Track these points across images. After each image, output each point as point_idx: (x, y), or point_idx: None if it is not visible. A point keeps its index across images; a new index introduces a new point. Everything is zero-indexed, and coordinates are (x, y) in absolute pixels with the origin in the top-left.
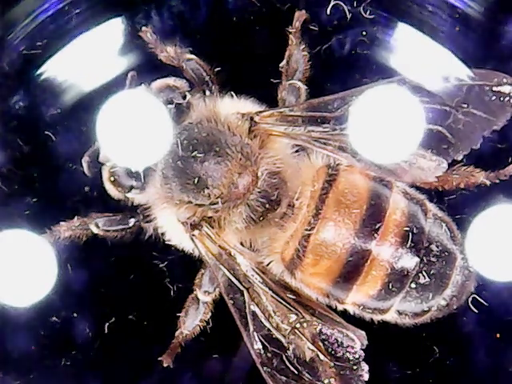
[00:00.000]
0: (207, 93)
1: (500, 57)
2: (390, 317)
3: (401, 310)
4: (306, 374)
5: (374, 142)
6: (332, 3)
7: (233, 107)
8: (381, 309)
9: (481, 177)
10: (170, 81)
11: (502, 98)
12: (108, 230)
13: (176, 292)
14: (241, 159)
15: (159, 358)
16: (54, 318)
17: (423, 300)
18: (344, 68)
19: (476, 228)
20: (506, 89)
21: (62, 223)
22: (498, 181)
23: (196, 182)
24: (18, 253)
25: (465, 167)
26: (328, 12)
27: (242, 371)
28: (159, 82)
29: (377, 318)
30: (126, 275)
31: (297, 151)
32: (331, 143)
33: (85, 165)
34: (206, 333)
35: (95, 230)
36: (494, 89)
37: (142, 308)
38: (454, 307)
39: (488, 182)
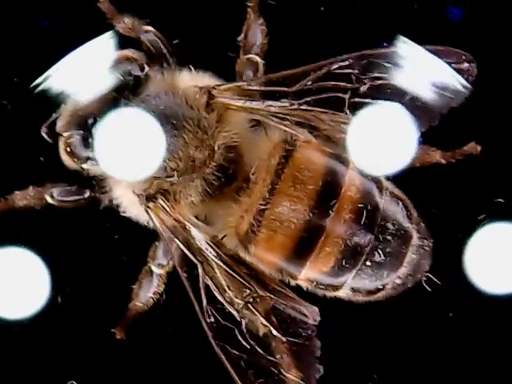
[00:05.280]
0: (165, 65)
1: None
2: (344, 294)
3: (355, 287)
4: (259, 349)
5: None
6: None
7: (191, 81)
8: (334, 285)
9: (436, 156)
10: (129, 53)
11: (460, 76)
12: (63, 201)
13: (129, 263)
14: (198, 133)
15: (112, 330)
16: None
17: (378, 278)
18: (303, 41)
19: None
20: (464, 66)
21: (16, 192)
22: (453, 160)
23: None
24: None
25: (420, 146)
26: None
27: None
28: (118, 54)
29: (330, 294)
30: (81, 244)
31: (254, 126)
32: (289, 118)
33: (44, 135)
34: (160, 305)
35: (50, 200)
36: (453, 66)
37: (94, 279)
38: (409, 285)
39: (443, 161)
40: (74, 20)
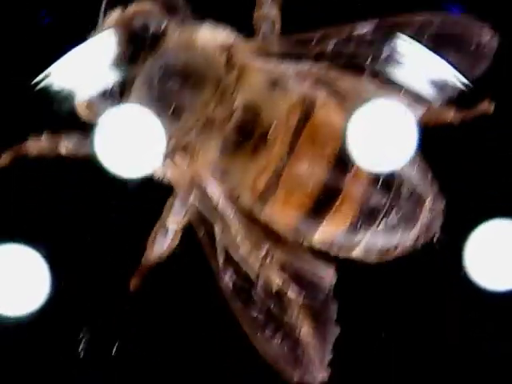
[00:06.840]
0: (182, 20)
1: None
2: (356, 254)
3: (368, 248)
4: (274, 310)
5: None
6: None
7: (210, 37)
8: (348, 246)
9: (449, 116)
10: (146, 6)
11: (479, 47)
12: (77, 152)
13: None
14: (217, 91)
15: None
16: None
17: (390, 239)
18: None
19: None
20: (484, 39)
21: (29, 140)
22: (465, 120)
23: (170, 112)
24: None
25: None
26: None
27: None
28: (135, 8)
29: (343, 254)
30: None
31: (273, 86)
32: (308, 80)
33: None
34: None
35: (64, 151)
36: (473, 39)
37: (109, 232)
38: (420, 246)
39: (455, 122)
40: (76, 18)
